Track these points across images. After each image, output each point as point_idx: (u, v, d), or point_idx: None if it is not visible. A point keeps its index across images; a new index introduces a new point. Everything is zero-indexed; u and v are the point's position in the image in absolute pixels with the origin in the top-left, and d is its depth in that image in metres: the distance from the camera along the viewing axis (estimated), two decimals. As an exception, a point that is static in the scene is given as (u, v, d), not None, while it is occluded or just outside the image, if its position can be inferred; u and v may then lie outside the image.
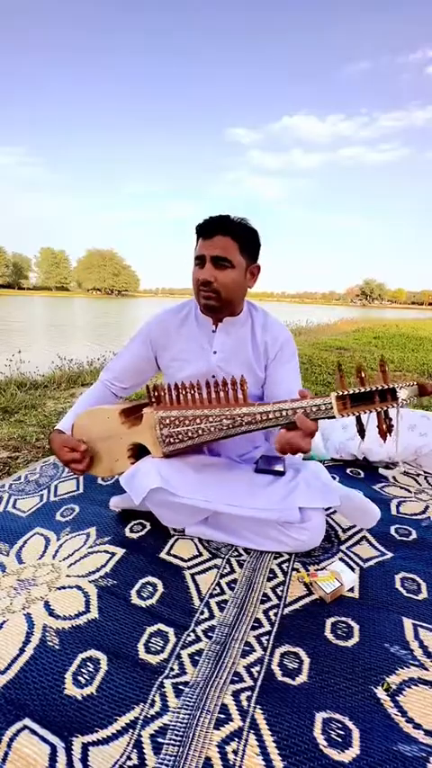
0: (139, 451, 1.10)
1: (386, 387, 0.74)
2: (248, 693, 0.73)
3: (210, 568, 1.05)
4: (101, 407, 1.15)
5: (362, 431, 0.80)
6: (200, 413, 0.95)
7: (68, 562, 1.07)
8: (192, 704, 0.70)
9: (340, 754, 0.63)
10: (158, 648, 0.82)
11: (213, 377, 1.12)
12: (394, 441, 1.55)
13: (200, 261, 1.05)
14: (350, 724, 0.68)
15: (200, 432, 0.96)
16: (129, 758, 0.63)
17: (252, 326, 1.16)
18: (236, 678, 0.76)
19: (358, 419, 0.79)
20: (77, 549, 1.12)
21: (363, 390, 0.75)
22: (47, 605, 0.92)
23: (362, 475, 1.61)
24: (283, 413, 0.84)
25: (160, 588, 0.98)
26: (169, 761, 0.62)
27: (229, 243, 1.02)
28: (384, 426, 0.78)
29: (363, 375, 0.77)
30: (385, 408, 0.76)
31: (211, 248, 1.02)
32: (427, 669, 0.78)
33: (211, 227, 1.02)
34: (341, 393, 0.77)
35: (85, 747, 0.65)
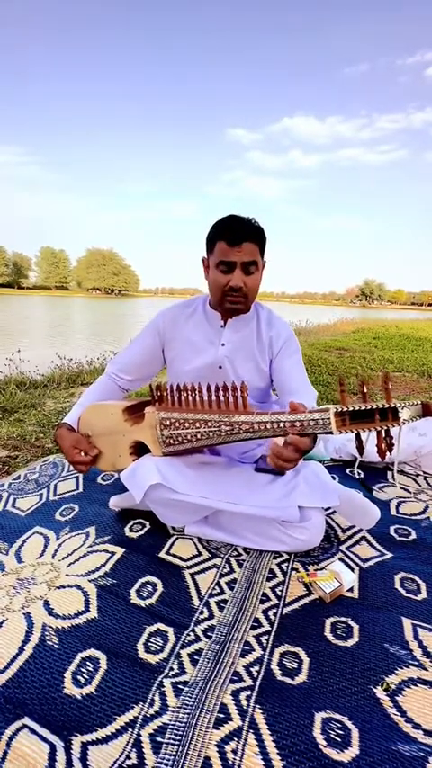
0: (140, 449, 1.11)
1: (388, 405, 0.72)
2: (248, 693, 0.73)
3: (209, 568, 1.05)
4: (105, 403, 1.15)
5: (361, 447, 0.78)
6: (200, 417, 0.95)
7: (68, 561, 1.07)
8: (191, 703, 0.70)
9: (339, 754, 0.63)
10: (158, 648, 0.82)
11: (220, 367, 1.15)
12: (395, 447, 1.55)
13: (227, 266, 1.05)
14: (349, 724, 0.68)
15: (199, 435, 0.96)
16: (128, 757, 0.63)
17: (258, 322, 1.20)
18: (235, 678, 0.76)
19: (357, 436, 0.78)
20: (77, 548, 1.12)
21: (363, 408, 0.73)
22: (46, 604, 0.92)
23: (362, 475, 1.61)
24: (281, 424, 0.83)
25: (160, 588, 0.98)
26: (168, 760, 0.62)
27: (255, 248, 1.05)
28: (384, 445, 0.75)
29: (365, 391, 0.75)
30: (386, 427, 0.74)
31: (242, 255, 1.03)
32: (426, 669, 0.78)
33: (239, 234, 1.02)
34: (341, 409, 0.74)
35: (84, 746, 0.65)
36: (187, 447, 1.00)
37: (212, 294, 1.12)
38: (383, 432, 0.75)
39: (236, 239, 1.02)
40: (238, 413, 0.90)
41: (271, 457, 0.83)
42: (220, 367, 1.16)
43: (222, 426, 0.92)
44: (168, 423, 1.00)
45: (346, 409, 0.74)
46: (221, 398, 0.94)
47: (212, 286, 1.10)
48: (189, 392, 0.98)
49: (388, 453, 0.76)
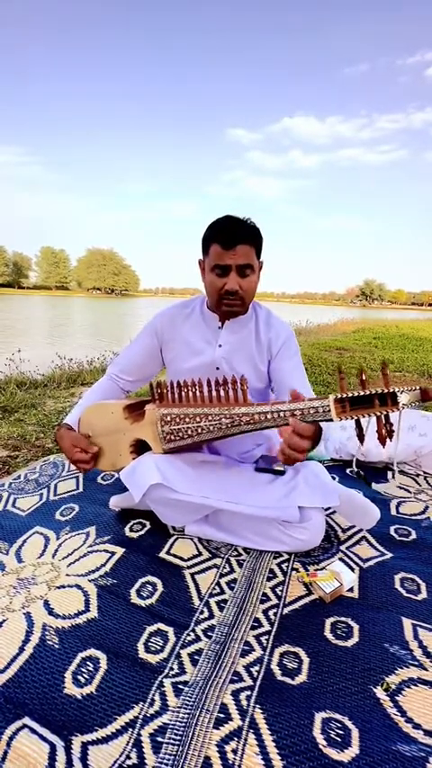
0: (140, 447, 1.11)
1: (386, 390, 0.73)
2: (248, 693, 0.73)
3: (209, 568, 1.05)
4: (106, 402, 1.16)
5: (361, 435, 0.78)
6: (200, 411, 0.95)
7: (68, 561, 1.07)
8: (191, 703, 0.70)
9: (339, 754, 0.63)
10: (158, 648, 0.82)
11: (218, 368, 1.15)
12: (394, 443, 1.55)
13: (222, 270, 1.04)
14: (349, 724, 0.68)
15: (200, 430, 0.96)
16: (128, 757, 0.63)
17: (256, 323, 1.19)
18: (235, 678, 0.76)
19: (357, 423, 0.78)
20: (77, 548, 1.12)
21: (362, 394, 0.74)
22: (46, 604, 0.92)
23: (360, 473, 1.61)
24: (281, 414, 0.83)
25: (160, 588, 0.98)
26: (168, 760, 0.62)
27: (250, 250, 1.03)
28: (384, 431, 0.75)
29: (364, 377, 0.75)
30: (385, 413, 0.74)
31: (236, 258, 1.02)
32: (426, 669, 0.78)
33: (234, 237, 1.01)
34: (340, 396, 0.75)
35: (84, 746, 0.65)
36: (188, 442, 1.00)
37: (209, 297, 1.12)
38: (383, 417, 0.75)
39: (230, 242, 1.00)
40: (237, 405, 0.91)
41: (282, 448, 0.80)
42: (218, 368, 1.16)
43: (223, 419, 0.92)
44: (169, 418, 1.00)
45: (345, 395, 0.75)
46: (221, 392, 0.94)
47: (209, 289, 1.09)
48: (189, 388, 0.99)
49: (388, 440, 0.76)
